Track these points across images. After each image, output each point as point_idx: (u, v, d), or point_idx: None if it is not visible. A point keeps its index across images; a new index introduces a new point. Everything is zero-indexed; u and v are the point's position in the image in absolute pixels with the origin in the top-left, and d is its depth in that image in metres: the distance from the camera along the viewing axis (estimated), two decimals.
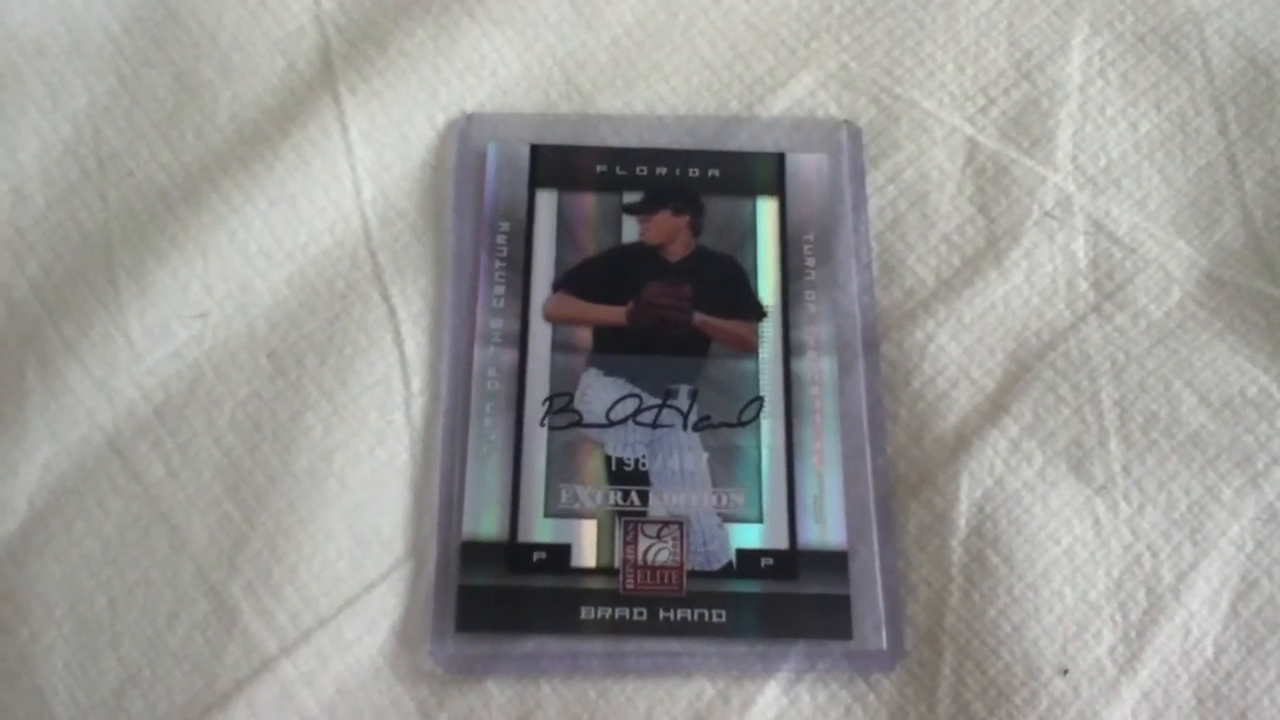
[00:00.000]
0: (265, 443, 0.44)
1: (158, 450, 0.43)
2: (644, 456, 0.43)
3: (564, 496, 0.42)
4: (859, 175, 0.48)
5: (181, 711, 0.40)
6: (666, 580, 0.41)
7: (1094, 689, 0.40)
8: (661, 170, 0.48)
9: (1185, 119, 0.49)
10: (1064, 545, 0.42)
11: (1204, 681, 0.40)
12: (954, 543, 0.42)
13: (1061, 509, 0.42)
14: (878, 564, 0.42)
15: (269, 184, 0.47)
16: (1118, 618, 0.41)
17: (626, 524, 0.42)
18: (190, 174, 0.48)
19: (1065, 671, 0.40)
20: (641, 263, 0.46)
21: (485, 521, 0.42)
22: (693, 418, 0.44)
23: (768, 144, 0.48)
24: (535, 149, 0.48)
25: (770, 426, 0.44)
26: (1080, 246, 0.47)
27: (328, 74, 0.50)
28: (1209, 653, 0.40)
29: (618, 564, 0.42)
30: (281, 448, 0.44)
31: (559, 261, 0.46)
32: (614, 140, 0.48)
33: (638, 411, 0.44)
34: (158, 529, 0.42)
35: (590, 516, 0.42)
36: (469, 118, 0.49)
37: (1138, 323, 0.45)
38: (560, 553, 0.42)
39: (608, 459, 0.43)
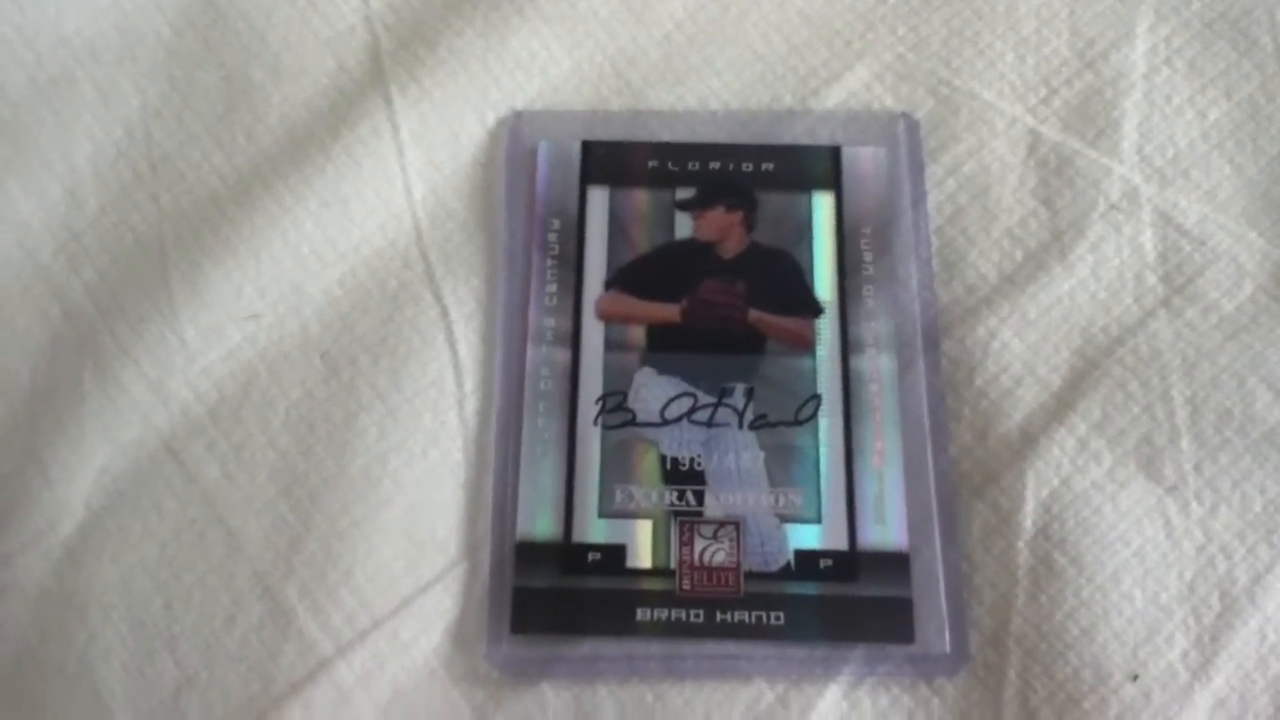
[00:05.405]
0: (319, 444, 0.44)
1: (212, 452, 0.44)
2: (699, 456, 0.42)
3: (619, 496, 0.42)
4: (917, 168, 0.47)
5: (238, 713, 0.40)
6: (723, 581, 0.41)
7: (1166, 695, 0.39)
8: (714, 165, 0.47)
9: (1256, 107, 0.47)
10: (1134, 547, 0.41)
11: None
12: (1020, 544, 0.41)
13: (1131, 509, 0.41)
14: (941, 566, 0.41)
15: (320, 185, 0.47)
16: (1190, 622, 0.40)
17: (682, 524, 0.41)
18: (242, 176, 0.48)
19: (1136, 677, 0.39)
20: (695, 259, 0.46)
21: (540, 522, 0.42)
22: (749, 416, 0.43)
23: (823, 137, 0.48)
24: (586, 145, 0.47)
25: (828, 425, 0.43)
26: (1148, 239, 0.45)
27: (378, 74, 0.49)
28: None
29: (674, 565, 0.41)
30: (335, 449, 0.43)
31: (611, 259, 0.45)
32: (666, 136, 0.48)
33: (692, 410, 0.43)
34: (213, 531, 0.42)
35: (645, 517, 0.42)
36: (519, 115, 0.48)
37: (1209, 317, 0.44)
38: (615, 553, 0.41)
39: (662, 458, 0.42)
